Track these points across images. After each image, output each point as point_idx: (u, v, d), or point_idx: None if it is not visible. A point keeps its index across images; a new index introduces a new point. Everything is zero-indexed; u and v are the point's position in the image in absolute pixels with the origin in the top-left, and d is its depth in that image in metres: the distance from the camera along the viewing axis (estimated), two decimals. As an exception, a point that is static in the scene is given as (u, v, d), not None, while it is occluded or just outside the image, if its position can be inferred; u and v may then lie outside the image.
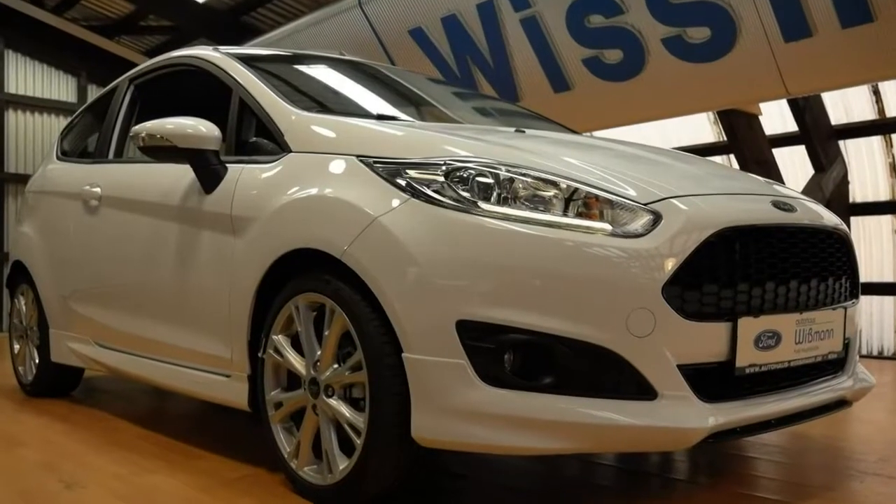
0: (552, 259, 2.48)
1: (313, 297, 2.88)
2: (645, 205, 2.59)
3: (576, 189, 2.60)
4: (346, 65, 4.37)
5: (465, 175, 2.65)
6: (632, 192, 2.63)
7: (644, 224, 2.54)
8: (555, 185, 2.61)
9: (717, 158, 10.15)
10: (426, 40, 8.74)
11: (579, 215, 2.56)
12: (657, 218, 2.56)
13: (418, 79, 4.64)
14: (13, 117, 13.27)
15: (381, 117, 3.45)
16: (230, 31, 11.64)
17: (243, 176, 3.29)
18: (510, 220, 2.53)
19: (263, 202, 3.11)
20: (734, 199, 2.86)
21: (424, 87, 4.46)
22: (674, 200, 2.63)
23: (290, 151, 3.17)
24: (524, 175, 2.63)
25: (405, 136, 3.04)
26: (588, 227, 2.52)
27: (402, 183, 2.70)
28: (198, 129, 3.37)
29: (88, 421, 4.35)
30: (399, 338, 2.59)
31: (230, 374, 3.28)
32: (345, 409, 2.78)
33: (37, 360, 5.00)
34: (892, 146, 9.35)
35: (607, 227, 2.53)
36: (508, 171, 2.64)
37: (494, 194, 2.60)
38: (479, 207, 2.57)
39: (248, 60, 3.85)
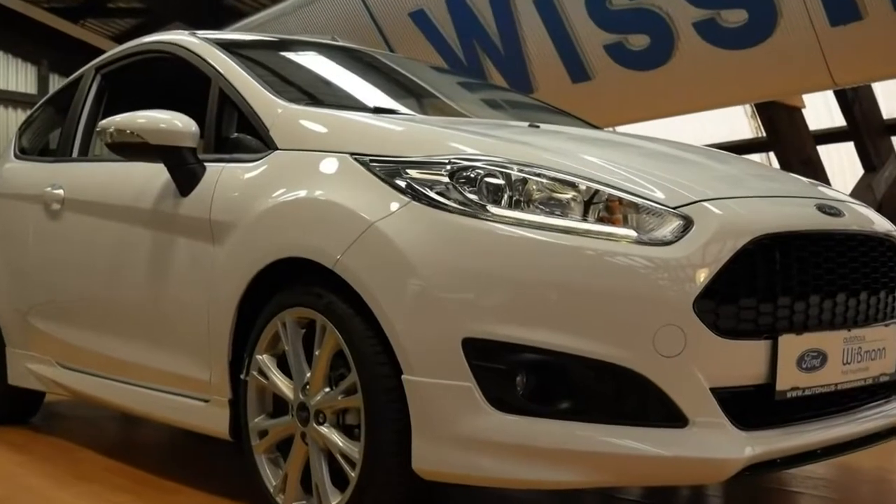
0: (570, 270, 2.48)
1: (302, 312, 2.88)
2: (674, 209, 2.59)
3: (596, 191, 2.60)
4: (339, 52, 4.38)
5: (472, 175, 2.66)
6: (659, 195, 2.63)
7: (673, 230, 2.55)
8: (573, 186, 2.61)
9: (755, 157, 10.16)
10: (428, 24, 8.77)
11: (600, 220, 2.57)
12: (688, 223, 2.56)
13: (420, 67, 4.65)
14: (-35, 110, 13.32)
15: (377, 111, 3.46)
16: (208, 14, 11.68)
17: (224, 176, 3.30)
18: (523, 226, 2.53)
19: (246, 206, 3.12)
20: (774, 202, 2.86)
21: (426, 76, 4.48)
22: (706, 204, 2.63)
23: (276, 149, 3.18)
24: (539, 175, 2.64)
25: (405, 131, 3.05)
26: (610, 234, 2.52)
27: (402, 184, 2.71)
28: (172, 123, 3.38)
29: (50, 451, 4.35)
30: (398, 358, 2.59)
31: (209, 398, 3.29)
32: (337, 438, 2.78)
33: (-9, 383, 4.99)
34: (952, 143, 9.36)
35: (632, 233, 2.53)
36: (521, 170, 2.65)
37: (505, 197, 2.61)
38: (487, 212, 2.57)
39: (228, 47, 3.86)
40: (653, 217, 2.57)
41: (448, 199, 2.63)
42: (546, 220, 2.55)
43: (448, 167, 2.69)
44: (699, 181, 2.80)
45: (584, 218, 2.57)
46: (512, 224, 2.54)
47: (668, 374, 2.46)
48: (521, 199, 2.61)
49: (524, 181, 2.63)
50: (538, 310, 2.48)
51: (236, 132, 3.50)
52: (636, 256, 2.49)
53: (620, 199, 2.59)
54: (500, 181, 2.64)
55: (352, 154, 2.90)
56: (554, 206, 2.59)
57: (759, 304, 2.58)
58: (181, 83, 3.95)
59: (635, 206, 2.58)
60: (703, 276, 2.49)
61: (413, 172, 2.72)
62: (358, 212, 2.72)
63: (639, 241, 2.52)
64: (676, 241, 2.52)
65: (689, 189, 2.70)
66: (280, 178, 3.08)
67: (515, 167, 2.66)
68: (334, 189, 2.86)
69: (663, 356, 2.45)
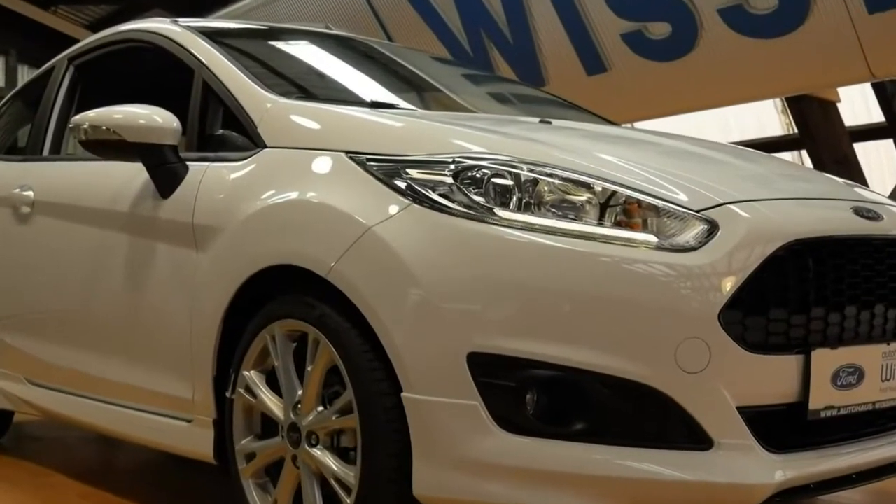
0: (585, 278, 2.48)
1: (293, 324, 2.88)
2: (698, 212, 2.59)
3: (613, 192, 2.61)
4: (334, 41, 4.40)
5: (478, 175, 2.66)
6: (682, 197, 2.64)
7: (697, 235, 2.55)
8: (588, 187, 2.62)
9: (786, 155, 10.17)
10: (430, 10, 8.78)
11: (618, 224, 2.57)
12: (713, 228, 2.56)
13: (421, 58, 4.66)
14: (-73, 105, 13.33)
15: (375, 105, 3.46)
16: (191, 0, 11.67)
17: (208, 176, 3.30)
18: (533, 231, 2.54)
19: (232, 209, 3.13)
20: (807, 204, 2.87)
21: (428, 67, 4.48)
22: (733, 206, 2.63)
23: (265, 146, 3.19)
24: (551, 175, 2.65)
25: (405, 127, 3.06)
26: (629, 240, 2.53)
27: (402, 185, 2.71)
28: (152, 119, 3.38)
29: (18, 475, 4.35)
30: (398, 374, 2.59)
31: (192, 418, 3.29)
32: (331, 461, 2.77)
33: (-46, 402, 4.99)
34: None
35: (652, 238, 2.54)
36: (531, 170, 2.66)
37: (514, 199, 2.62)
38: (495, 215, 2.58)
39: (213, 35, 3.86)
40: (674, 221, 2.57)
41: (452, 201, 2.63)
42: (559, 225, 2.55)
43: (452, 167, 2.70)
44: (725, 182, 2.81)
45: (600, 222, 2.57)
46: (521, 228, 2.55)
47: (691, 391, 2.46)
48: (532, 201, 2.61)
49: (535, 182, 2.63)
50: (550, 322, 2.48)
51: (221, 128, 3.51)
52: (656, 264, 2.49)
53: (639, 202, 2.60)
54: (509, 182, 2.64)
55: (347, 152, 2.90)
56: (567, 209, 2.60)
57: (791, 315, 2.58)
58: (161, 75, 3.95)
59: (655, 209, 2.59)
60: (729, 285, 2.49)
61: (414, 172, 2.73)
62: (354, 215, 2.73)
63: (659, 247, 2.52)
64: (700, 247, 2.53)
65: (714, 190, 2.70)
66: (269, 178, 3.08)
67: (525, 167, 2.67)
68: (328, 190, 2.87)
69: (686, 372, 2.45)
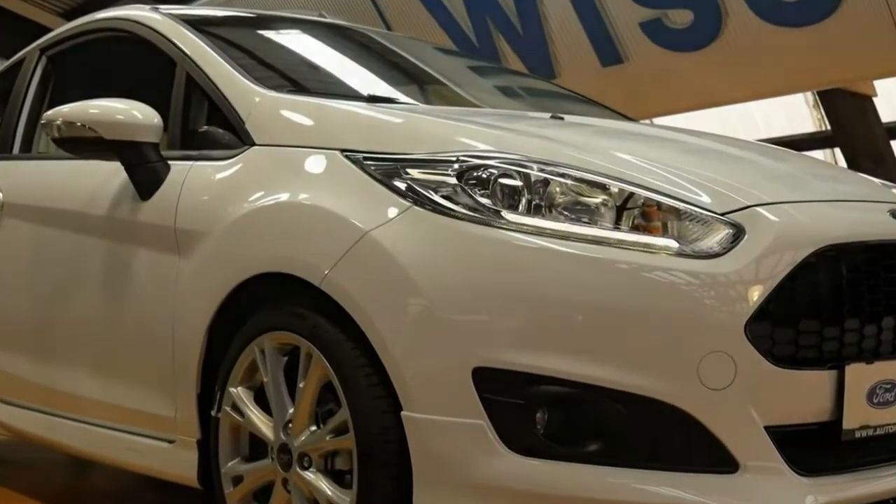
0: (599, 287, 2.48)
1: (284, 336, 2.87)
2: (722, 215, 2.59)
3: (631, 194, 2.60)
4: (328, 30, 4.40)
5: (484, 176, 2.66)
6: (705, 199, 2.63)
7: (721, 240, 2.55)
8: (603, 188, 2.62)
9: (818, 154, 10.16)
10: (433, -2, 8.78)
11: (636, 229, 2.57)
12: (738, 232, 2.56)
13: (423, 48, 4.67)
14: None
15: (373, 99, 3.47)
16: (174, -15, 11.67)
17: (191, 176, 3.30)
18: (544, 236, 2.54)
19: (218, 211, 3.12)
20: (840, 207, 2.87)
21: (431, 59, 4.49)
22: (761, 209, 2.63)
23: (253, 144, 3.18)
24: (563, 175, 2.65)
25: (405, 124, 3.06)
26: (647, 245, 2.53)
27: (402, 186, 2.71)
28: (131, 114, 3.37)
29: (-14, 501, 4.34)
30: (397, 391, 2.58)
31: (174, 438, 3.27)
32: (325, 486, 2.76)
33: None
34: None
35: (672, 244, 2.53)
36: (542, 170, 2.65)
37: (524, 201, 2.61)
38: (503, 219, 2.58)
39: (197, 24, 3.86)
40: (697, 225, 2.57)
41: (456, 203, 2.63)
42: (571, 229, 2.55)
43: (456, 166, 2.69)
44: (752, 182, 2.81)
45: (617, 226, 2.58)
46: (531, 233, 2.54)
47: (714, 409, 2.45)
48: (543, 203, 2.61)
49: (546, 182, 2.63)
50: (562, 334, 2.48)
51: (206, 125, 3.50)
52: (677, 271, 2.48)
53: (659, 204, 2.60)
54: (518, 182, 2.64)
55: (342, 151, 2.90)
56: (581, 211, 2.60)
57: (823, 327, 2.58)
58: (141, 67, 3.96)
59: (676, 212, 2.59)
60: (756, 295, 2.48)
61: (415, 172, 2.72)
62: (349, 219, 2.72)
63: (680, 254, 2.52)
64: (725, 253, 2.52)
65: (741, 192, 2.70)
66: (257, 178, 3.08)
67: (535, 166, 2.66)
68: (321, 192, 2.86)
69: (709, 389, 2.45)
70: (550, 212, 2.60)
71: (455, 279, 2.55)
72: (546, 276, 2.50)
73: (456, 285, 2.55)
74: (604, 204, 2.60)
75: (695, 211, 2.59)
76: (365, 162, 2.82)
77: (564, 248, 2.51)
